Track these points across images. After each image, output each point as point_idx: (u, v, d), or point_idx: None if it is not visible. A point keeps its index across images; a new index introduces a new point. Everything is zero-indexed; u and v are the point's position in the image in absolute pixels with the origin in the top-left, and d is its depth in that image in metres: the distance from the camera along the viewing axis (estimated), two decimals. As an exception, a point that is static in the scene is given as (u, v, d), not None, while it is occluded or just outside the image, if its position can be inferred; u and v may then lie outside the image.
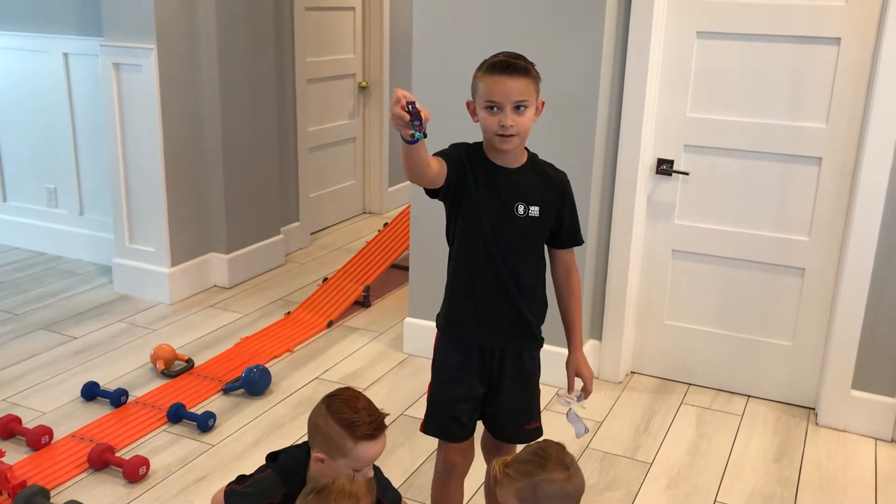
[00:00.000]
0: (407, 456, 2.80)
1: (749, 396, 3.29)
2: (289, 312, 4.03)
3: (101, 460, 2.67)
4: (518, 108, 1.87)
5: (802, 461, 2.85)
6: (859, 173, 2.86)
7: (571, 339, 2.19)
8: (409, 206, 3.68)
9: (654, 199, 3.26)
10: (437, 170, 1.86)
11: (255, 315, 4.02)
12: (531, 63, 1.91)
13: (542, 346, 2.15)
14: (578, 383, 2.15)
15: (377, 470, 1.95)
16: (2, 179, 4.86)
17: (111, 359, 3.50)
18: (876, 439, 2.99)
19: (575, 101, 3.04)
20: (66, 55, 4.41)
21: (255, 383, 3.20)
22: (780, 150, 3.03)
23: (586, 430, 2.17)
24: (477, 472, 2.31)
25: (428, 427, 2.11)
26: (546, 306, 2.13)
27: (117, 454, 2.74)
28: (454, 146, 1.99)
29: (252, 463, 2.71)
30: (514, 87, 1.85)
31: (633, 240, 3.25)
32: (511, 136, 1.88)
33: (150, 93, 3.87)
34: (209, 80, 4.06)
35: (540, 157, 2.07)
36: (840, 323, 2.99)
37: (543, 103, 1.97)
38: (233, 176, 4.26)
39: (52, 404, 3.09)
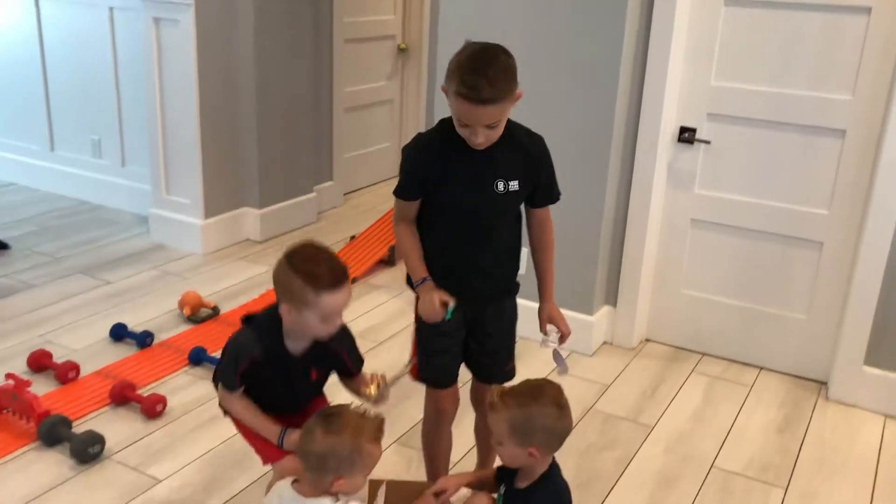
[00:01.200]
0: (413, 408, 2.88)
1: (761, 368, 3.29)
2: (315, 268, 4.12)
3: (121, 396, 2.81)
4: (490, 126, 1.86)
5: (806, 433, 2.85)
6: (883, 147, 2.82)
7: (543, 291, 2.22)
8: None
9: (674, 167, 3.26)
10: (415, 213, 2.05)
11: (283, 269, 4.12)
12: (507, 85, 1.81)
13: (517, 291, 2.23)
14: (553, 329, 2.18)
15: (346, 330, 2.00)
16: (50, 130, 5.04)
17: (141, 304, 3.64)
18: (885, 416, 2.97)
19: (596, 68, 3.05)
20: (111, 9, 4.53)
21: (274, 332, 3.31)
22: (803, 122, 3.00)
23: (567, 369, 2.23)
24: (466, 426, 2.38)
25: (421, 375, 2.18)
26: (519, 258, 2.20)
27: (138, 392, 2.88)
28: (414, 150, 2.01)
29: (264, 406, 2.83)
30: (484, 114, 1.81)
31: (652, 208, 3.25)
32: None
33: (187, 49, 3.97)
34: (245, 38, 4.14)
35: (533, 127, 2.08)
36: (855, 298, 2.96)
37: (521, 95, 1.90)
38: (267, 133, 4.36)
39: (82, 343, 3.25)
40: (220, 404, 2.06)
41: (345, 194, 5.35)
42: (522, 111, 3.20)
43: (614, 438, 2.78)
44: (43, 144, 5.10)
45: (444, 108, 3.36)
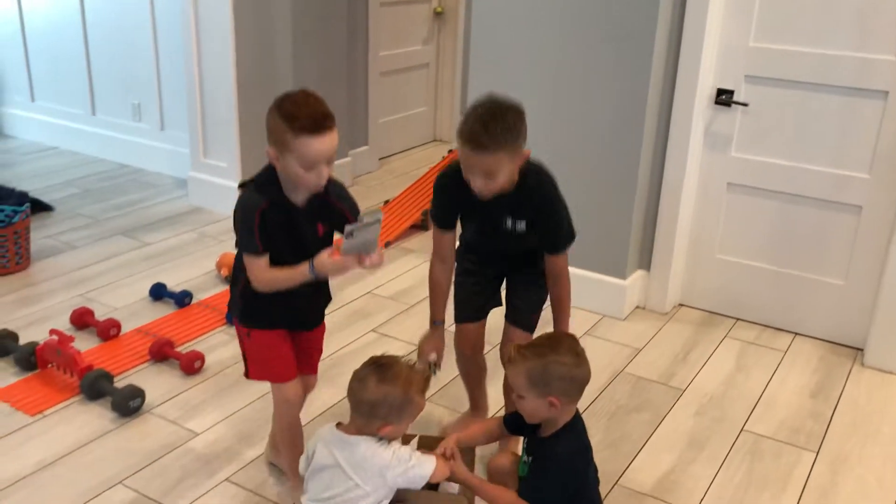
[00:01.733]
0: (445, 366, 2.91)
1: (796, 334, 3.26)
2: (350, 231, 4.16)
3: (160, 353, 2.89)
4: (488, 175, 1.94)
5: (840, 399, 2.83)
6: (926, 109, 2.75)
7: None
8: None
9: (711, 130, 3.21)
10: (451, 248, 2.24)
11: (318, 232, 4.17)
12: (506, 140, 1.88)
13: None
14: None
15: (344, 188, 2.03)
16: (91, 94, 5.13)
17: (180, 265, 3.72)
18: (922, 383, 2.94)
19: (632, 28, 3.01)
20: (149, -26, 4.58)
21: (309, 293, 3.36)
22: (845, 84, 2.93)
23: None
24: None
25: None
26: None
27: (176, 349, 2.95)
28: (436, 187, 2.17)
29: (299, 364, 2.89)
30: (480, 162, 1.91)
31: (688, 171, 3.22)
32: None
33: (225, 14, 3.99)
34: (282, 2, 4.15)
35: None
36: (895, 263, 2.92)
37: (528, 154, 1.99)
38: (302, 97, 4.38)
39: (123, 301, 3.33)
40: (251, 281, 1.98)
41: (379, 159, 5.37)
42: (560, 72, 3.19)
43: (644, 401, 2.79)
44: (85, 109, 5.19)
45: (480, 74, 3.38)
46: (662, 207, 3.29)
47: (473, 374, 2.49)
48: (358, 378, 1.85)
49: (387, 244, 4.02)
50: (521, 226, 2.11)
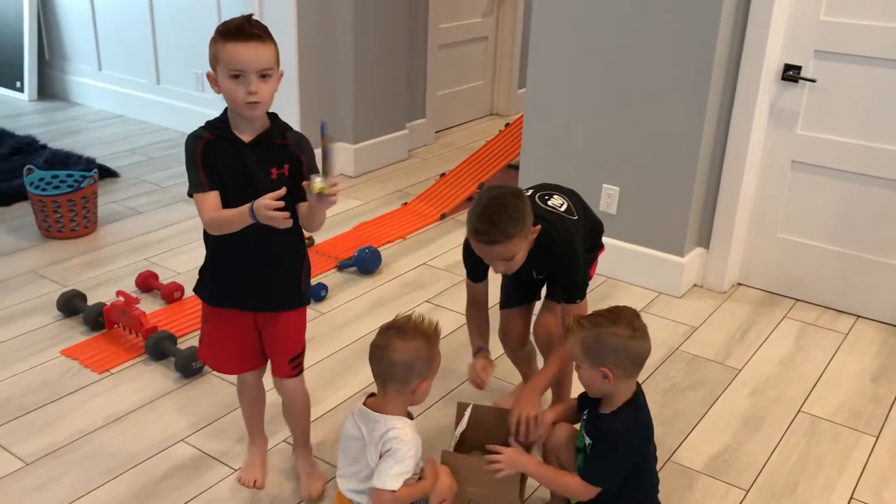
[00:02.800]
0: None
1: (858, 317, 3.19)
2: (405, 203, 4.20)
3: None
4: (508, 260, 2.02)
5: (903, 383, 2.77)
6: None
7: (529, 379, 2.42)
8: (526, 104, 3.70)
9: (776, 106, 3.14)
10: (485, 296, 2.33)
11: (375, 203, 4.21)
12: (514, 228, 1.95)
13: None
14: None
15: (303, 136, 1.93)
16: (156, 64, 5.23)
17: (240, 232, 3.79)
18: None
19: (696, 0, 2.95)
20: (214, -55, 4.63)
21: (366, 262, 3.41)
22: (920, 60, 2.84)
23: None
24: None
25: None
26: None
27: (237, 313, 3.02)
28: (464, 256, 2.24)
29: (356, 332, 2.94)
30: (495, 253, 2.01)
31: (751, 148, 3.16)
32: None
33: (287, -18, 4.03)
34: (343, -28, 4.17)
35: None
36: (965, 247, 2.83)
37: (537, 229, 2.05)
38: (362, 69, 4.41)
39: (186, 266, 3.42)
40: (203, 224, 1.93)
41: (436, 132, 5.38)
42: (622, 46, 3.15)
43: (700, 379, 2.77)
44: (150, 78, 5.30)
45: (540, 47, 3.36)
46: (724, 184, 3.24)
47: (523, 360, 2.51)
48: (381, 347, 1.85)
49: (442, 216, 4.04)
50: (543, 276, 2.29)
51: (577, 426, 1.98)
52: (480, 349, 2.29)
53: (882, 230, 3.07)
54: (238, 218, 1.82)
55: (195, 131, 1.89)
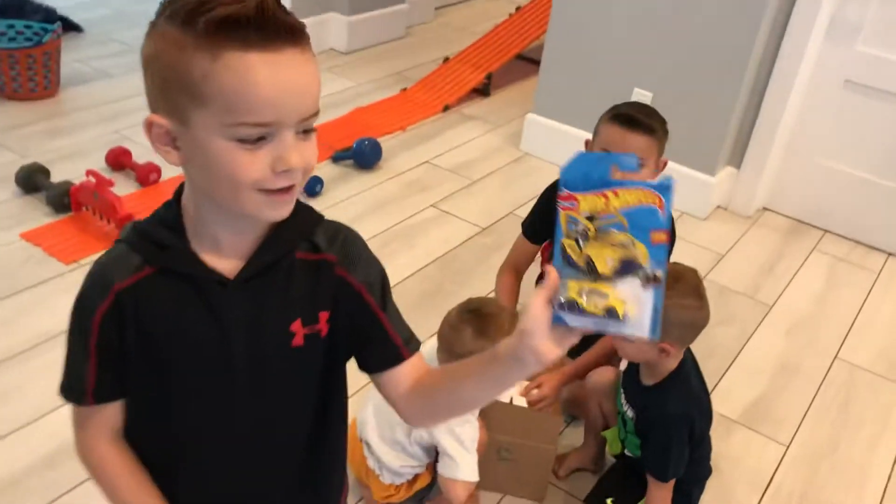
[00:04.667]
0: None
1: (890, 254, 2.99)
2: (404, 89, 3.82)
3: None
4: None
5: (940, 333, 2.61)
6: None
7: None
8: (552, -11, 3.30)
9: (838, 17, 2.82)
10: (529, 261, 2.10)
11: (370, 86, 3.83)
12: (661, 124, 1.82)
13: None
14: None
15: (332, 223, 0.99)
16: None
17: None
18: None
19: None
20: None
21: (365, 156, 3.07)
22: None
23: None
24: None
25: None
26: None
27: (223, 204, 2.70)
28: (542, 201, 2.05)
29: (355, 235, 2.64)
30: (635, 142, 1.76)
31: (804, 61, 2.85)
32: None
33: None
34: None
35: None
36: None
37: (666, 162, 1.87)
38: (364, -70, 3.92)
39: (163, 144, 3.04)
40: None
41: (436, 9, 4.92)
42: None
43: (731, 314, 2.56)
44: (117, -80, 4.70)
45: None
46: (768, 99, 2.94)
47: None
48: (452, 325, 1.59)
49: (445, 108, 3.68)
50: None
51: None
52: None
53: (932, 165, 2.83)
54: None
55: (102, 266, 0.92)
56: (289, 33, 0.79)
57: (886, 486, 2.00)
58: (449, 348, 1.58)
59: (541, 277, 2.09)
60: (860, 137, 2.93)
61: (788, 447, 2.07)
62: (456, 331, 1.57)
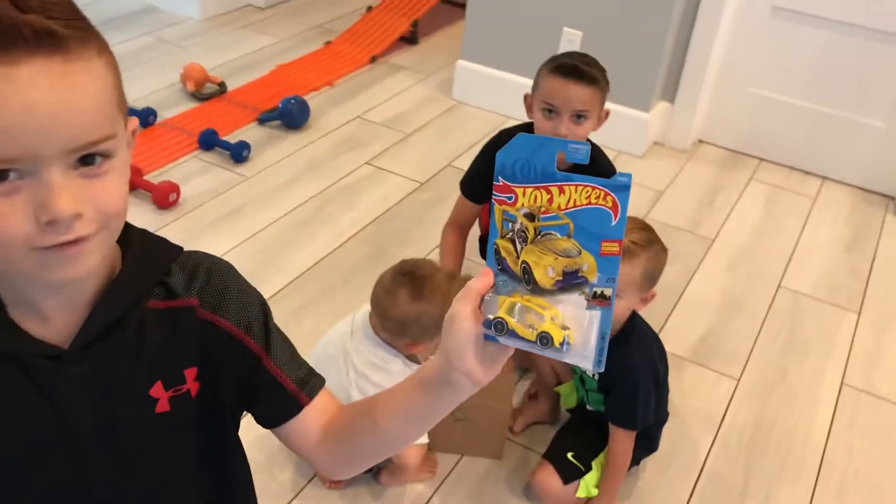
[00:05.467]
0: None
1: (824, 178, 3.02)
2: (328, 42, 3.68)
3: (129, 183, 2.49)
4: (580, 115, 1.74)
5: (876, 253, 2.65)
6: None
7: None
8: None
9: (762, -58, 2.79)
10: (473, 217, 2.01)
11: (292, 41, 3.68)
12: (603, 75, 1.77)
13: None
14: None
15: (228, 271, 0.86)
16: None
17: (137, 75, 3.22)
18: (958, 237, 2.76)
19: None
20: None
21: (292, 115, 2.95)
22: None
23: None
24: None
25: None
26: None
27: (145, 178, 2.57)
28: (484, 154, 1.96)
29: (288, 200, 2.54)
30: (577, 94, 1.72)
31: (730, -10, 2.82)
32: None
33: None
34: None
35: None
36: (951, 107, 2.65)
37: (608, 113, 1.82)
38: None
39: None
40: None
41: (355, -44, 4.74)
42: None
43: (674, 251, 2.48)
44: None
45: None
46: (697, 31, 2.90)
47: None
48: (386, 289, 1.53)
49: (372, 59, 3.56)
50: None
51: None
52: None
53: (861, 86, 2.85)
54: None
55: None
56: (36, 38, 0.59)
57: (835, 410, 2.03)
58: (384, 314, 1.53)
59: (483, 242, 2.05)
60: (790, 63, 2.92)
61: (739, 380, 2.09)
62: (391, 295, 1.51)
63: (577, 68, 1.73)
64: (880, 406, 2.05)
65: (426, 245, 2.35)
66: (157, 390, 0.77)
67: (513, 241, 0.67)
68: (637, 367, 1.55)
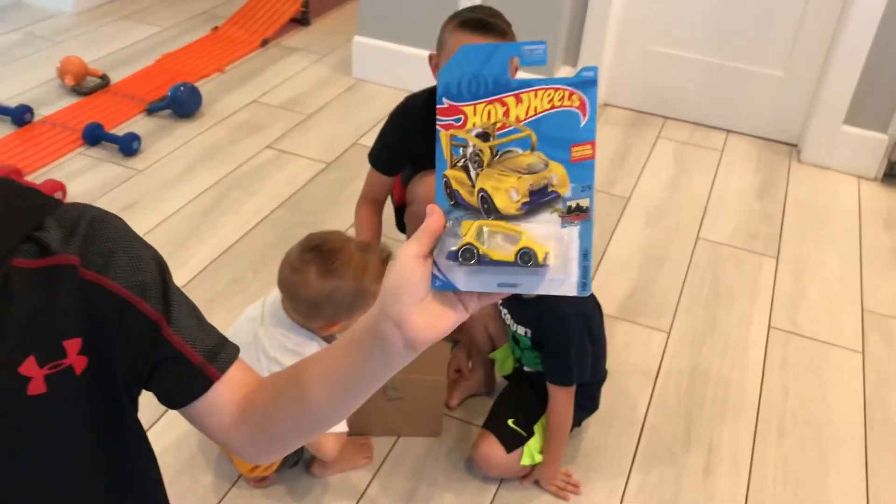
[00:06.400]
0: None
1: (728, 131, 3.05)
2: (216, 28, 3.50)
3: (6, 184, 2.29)
4: None
5: (786, 199, 2.68)
6: None
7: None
8: None
9: None
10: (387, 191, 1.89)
11: (177, 29, 3.48)
12: (509, 27, 1.70)
13: None
14: None
15: (125, 234, 0.76)
16: None
17: (8, 73, 2.99)
18: (859, 177, 2.82)
19: None
20: None
21: (183, 103, 2.78)
22: None
23: None
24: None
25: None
26: None
27: (27, 178, 2.36)
28: (392, 126, 1.84)
29: (186, 190, 2.38)
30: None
31: (623, -52, 2.81)
32: None
33: None
34: None
35: None
36: (843, 50, 2.69)
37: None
38: None
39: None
40: None
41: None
42: None
43: (592, 212, 2.51)
44: None
45: None
46: (594, -8, 2.88)
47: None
48: (293, 267, 1.40)
49: (264, 42, 3.41)
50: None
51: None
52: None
53: (755, 37, 2.88)
54: None
55: None
56: None
57: (766, 353, 2.03)
58: (293, 294, 1.41)
59: (400, 214, 1.95)
60: (683, 18, 2.93)
61: (670, 333, 2.06)
62: (298, 273, 1.39)
63: (484, 21, 1.65)
64: (808, 345, 2.06)
65: (340, 225, 2.23)
66: (30, 367, 0.63)
67: (465, 169, 0.58)
68: (568, 316, 1.48)
